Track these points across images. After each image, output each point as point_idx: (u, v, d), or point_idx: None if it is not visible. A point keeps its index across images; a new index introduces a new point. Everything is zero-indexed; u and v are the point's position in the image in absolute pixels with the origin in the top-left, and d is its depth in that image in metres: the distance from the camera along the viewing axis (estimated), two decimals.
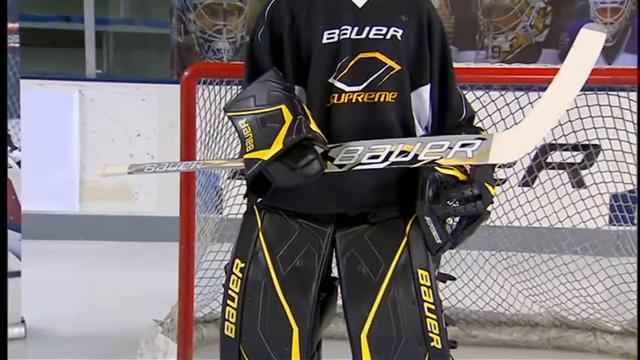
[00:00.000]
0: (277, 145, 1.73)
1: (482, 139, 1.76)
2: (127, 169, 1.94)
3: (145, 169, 1.94)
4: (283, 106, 1.78)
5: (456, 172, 1.85)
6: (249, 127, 1.78)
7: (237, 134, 1.83)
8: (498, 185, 1.95)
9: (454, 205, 1.83)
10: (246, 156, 1.76)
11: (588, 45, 1.76)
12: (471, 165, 1.85)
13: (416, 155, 1.78)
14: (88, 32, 5.39)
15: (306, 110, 1.82)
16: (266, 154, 1.73)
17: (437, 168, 1.84)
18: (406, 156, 1.78)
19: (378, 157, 1.80)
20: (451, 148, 1.76)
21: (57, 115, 5.09)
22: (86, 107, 5.12)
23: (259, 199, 1.94)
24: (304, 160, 1.74)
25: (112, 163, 1.99)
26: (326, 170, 1.79)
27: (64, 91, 5.11)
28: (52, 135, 5.05)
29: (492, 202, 1.89)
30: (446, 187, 1.84)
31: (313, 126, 1.78)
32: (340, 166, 1.81)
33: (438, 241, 1.87)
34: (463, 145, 1.76)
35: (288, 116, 1.76)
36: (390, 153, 1.78)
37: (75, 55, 5.54)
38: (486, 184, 1.85)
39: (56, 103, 5.06)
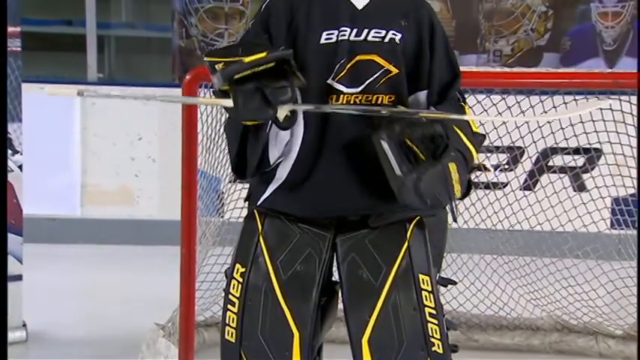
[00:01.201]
0: (260, 54, 1.73)
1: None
2: (75, 91, 1.89)
3: (97, 91, 1.90)
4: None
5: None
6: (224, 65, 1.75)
7: None
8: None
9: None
10: (219, 66, 1.73)
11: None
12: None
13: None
14: (89, 36, 5.39)
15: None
16: (246, 59, 1.72)
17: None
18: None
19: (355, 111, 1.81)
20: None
21: (58, 118, 5.09)
22: (88, 111, 5.12)
23: (258, 203, 1.94)
24: (278, 84, 1.73)
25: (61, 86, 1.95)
26: (297, 106, 1.79)
27: (65, 95, 5.11)
28: (53, 138, 5.05)
29: (468, 151, 1.84)
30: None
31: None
32: (314, 108, 1.82)
33: (398, 172, 1.79)
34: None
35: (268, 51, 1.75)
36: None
37: (76, 58, 5.54)
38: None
39: (58, 107, 5.06)
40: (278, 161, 1.92)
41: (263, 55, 1.72)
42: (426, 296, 1.87)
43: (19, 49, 3.55)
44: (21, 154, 3.56)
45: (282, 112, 1.78)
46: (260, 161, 1.91)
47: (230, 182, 3.59)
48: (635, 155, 3.33)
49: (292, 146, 1.91)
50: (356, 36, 1.88)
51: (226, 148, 3.35)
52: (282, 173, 1.93)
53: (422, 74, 1.92)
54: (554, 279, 3.64)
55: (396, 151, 1.79)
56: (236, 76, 1.73)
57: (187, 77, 2.98)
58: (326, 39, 1.88)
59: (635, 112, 3.23)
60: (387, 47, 1.89)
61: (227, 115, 1.91)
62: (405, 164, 1.79)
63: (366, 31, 1.89)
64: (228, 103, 1.75)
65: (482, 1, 5.33)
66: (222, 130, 3.33)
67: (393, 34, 1.90)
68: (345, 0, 1.90)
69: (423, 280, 1.88)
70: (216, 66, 1.74)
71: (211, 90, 1.94)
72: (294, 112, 1.81)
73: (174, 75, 5.41)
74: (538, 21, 5.36)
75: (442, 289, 1.97)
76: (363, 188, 1.90)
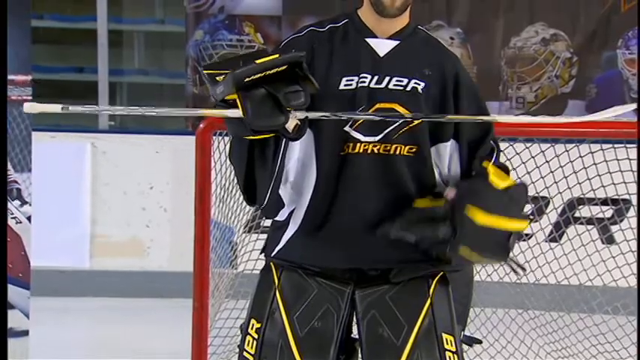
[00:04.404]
0: (272, 57, 1.67)
1: None
2: (59, 107, 1.78)
3: (86, 109, 1.81)
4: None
5: (440, 203, 1.83)
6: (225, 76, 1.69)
7: None
8: (524, 239, 1.91)
9: (411, 226, 1.82)
10: (221, 78, 1.68)
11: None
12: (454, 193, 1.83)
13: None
14: (101, 83, 5.45)
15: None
16: (257, 62, 1.65)
17: (417, 203, 1.83)
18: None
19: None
20: None
21: (69, 167, 5.12)
22: (98, 159, 5.15)
23: (273, 253, 1.93)
24: (291, 88, 1.67)
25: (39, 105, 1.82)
26: (311, 114, 1.75)
27: (76, 143, 5.15)
28: (63, 188, 5.07)
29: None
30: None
31: None
32: (325, 116, 1.78)
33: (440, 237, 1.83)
34: None
35: (276, 55, 1.71)
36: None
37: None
38: (469, 207, 1.80)
39: (68, 156, 5.09)
40: (292, 208, 1.92)
41: (275, 56, 1.67)
42: (449, 357, 1.85)
43: (30, 97, 3.58)
44: (30, 204, 3.57)
45: (292, 121, 1.74)
46: (271, 194, 1.89)
47: (244, 233, 3.59)
48: None
49: (304, 189, 1.91)
50: (376, 83, 1.89)
51: (241, 197, 3.39)
52: (296, 221, 1.93)
53: (445, 125, 1.92)
54: (582, 336, 3.59)
55: (418, 228, 1.82)
56: (246, 80, 1.66)
57: (201, 125, 2.99)
58: (345, 85, 1.89)
59: None
60: (409, 96, 1.90)
61: (229, 144, 1.89)
62: (438, 231, 1.82)
63: (387, 79, 1.90)
64: (236, 113, 1.69)
65: (505, 47, 5.35)
66: (235, 177, 3.34)
67: (416, 82, 1.90)
68: (367, 47, 1.92)
69: (446, 339, 1.86)
70: (217, 78, 1.69)
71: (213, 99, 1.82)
72: (304, 122, 1.78)
73: (187, 123, 5.44)
74: (562, 67, 5.37)
75: (465, 346, 1.94)
76: (382, 239, 1.89)
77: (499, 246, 1.83)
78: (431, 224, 1.81)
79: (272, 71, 1.66)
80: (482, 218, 1.79)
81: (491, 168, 1.88)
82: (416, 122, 1.89)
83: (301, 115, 1.73)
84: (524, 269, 1.88)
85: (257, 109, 1.67)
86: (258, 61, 1.66)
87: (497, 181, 1.84)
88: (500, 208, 1.81)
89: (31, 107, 1.78)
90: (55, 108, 1.76)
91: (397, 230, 1.81)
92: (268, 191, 1.87)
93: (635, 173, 3.32)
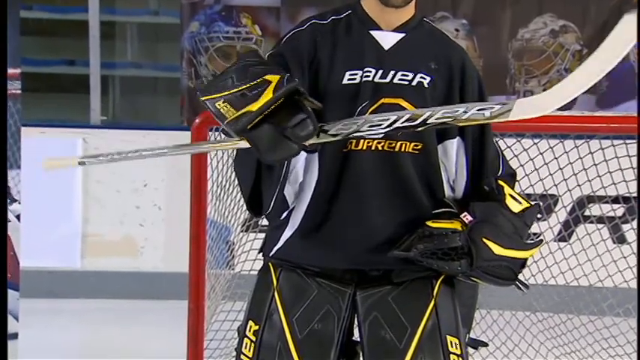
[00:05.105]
0: (266, 96, 1.64)
1: (503, 103, 1.72)
2: (76, 160, 1.84)
3: (100, 157, 1.84)
4: (267, 76, 1.69)
5: (456, 225, 1.85)
6: (227, 105, 1.68)
7: None
8: (534, 246, 1.93)
9: (427, 258, 1.83)
10: (233, 116, 1.66)
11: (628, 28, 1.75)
12: (471, 217, 1.84)
13: (425, 120, 1.72)
14: (93, 77, 5.45)
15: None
16: (254, 107, 1.63)
17: (431, 224, 1.84)
18: (414, 121, 1.73)
19: (380, 125, 1.74)
20: (466, 112, 1.72)
21: None
22: None
23: (271, 253, 1.94)
24: (295, 119, 1.65)
25: (58, 157, 1.87)
26: (319, 140, 1.73)
27: (67, 139, 5.15)
28: (53, 186, 5.06)
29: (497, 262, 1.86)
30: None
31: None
32: (335, 135, 1.74)
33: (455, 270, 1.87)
34: (481, 109, 1.72)
35: (274, 78, 1.68)
36: (395, 121, 1.74)
37: (79, 100, 5.59)
38: (485, 240, 1.83)
39: (59, 152, 5.06)
40: (291, 207, 1.93)
41: (270, 97, 1.64)
42: None
43: (19, 91, 3.58)
44: (19, 202, 3.58)
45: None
46: (277, 197, 1.90)
47: (241, 232, 3.60)
48: None
49: (305, 187, 1.91)
50: (381, 78, 1.89)
51: (238, 194, 3.40)
52: (295, 219, 1.94)
53: None
54: (592, 339, 3.59)
55: (434, 260, 1.84)
56: (248, 127, 1.66)
57: (197, 120, 3.00)
58: (349, 79, 1.89)
59: None
60: (415, 91, 1.90)
61: (235, 152, 1.90)
62: (455, 265, 1.84)
63: (392, 73, 1.90)
64: (246, 144, 1.70)
65: (512, 39, 5.35)
66: (232, 175, 3.35)
67: (422, 77, 1.90)
68: (372, 40, 1.92)
69: (451, 342, 1.86)
70: (217, 104, 1.69)
71: (222, 131, 1.88)
72: (319, 133, 1.77)
73: (182, 117, 5.44)
74: (572, 60, 5.37)
75: (471, 350, 1.95)
76: (384, 238, 1.90)
77: (510, 272, 1.89)
78: (449, 255, 1.83)
79: (271, 108, 1.65)
80: (499, 250, 1.84)
81: (507, 190, 1.92)
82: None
83: (314, 140, 1.72)
84: (527, 286, 1.92)
85: (268, 146, 1.66)
86: (254, 107, 1.64)
87: (513, 204, 1.89)
88: (517, 240, 1.88)
89: (49, 165, 1.86)
90: (72, 162, 1.86)
91: (413, 256, 1.84)
92: (274, 196, 1.88)
93: None
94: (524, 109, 1.71)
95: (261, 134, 1.65)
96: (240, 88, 1.68)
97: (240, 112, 1.65)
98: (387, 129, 1.73)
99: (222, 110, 1.68)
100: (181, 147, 1.92)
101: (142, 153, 1.85)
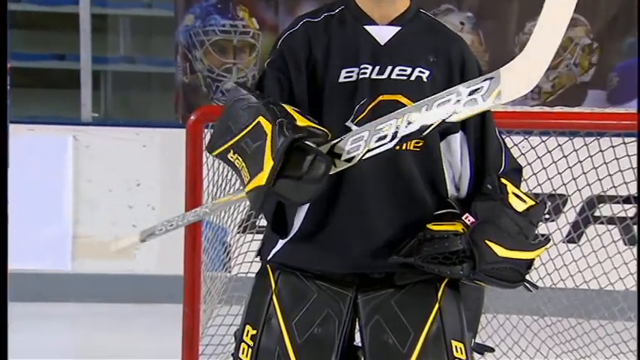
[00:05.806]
0: (268, 164, 1.69)
1: (489, 78, 1.73)
2: (138, 238, 1.98)
3: (155, 231, 1.96)
4: (260, 118, 1.73)
5: (457, 227, 1.85)
6: (239, 157, 1.75)
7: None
8: (541, 246, 1.93)
9: (429, 262, 1.83)
10: (246, 190, 1.73)
11: None
12: (473, 218, 1.85)
13: (424, 124, 1.75)
14: (84, 72, 5.45)
15: (287, 108, 1.77)
16: (262, 179, 1.69)
17: (432, 226, 1.84)
18: (415, 126, 1.75)
19: (385, 136, 1.76)
20: (459, 101, 1.73)
21: (49, 163, 5.12)
22: (81, 154, 5.15)
23: (269, 256, 1.94)
24: (305, 165, 1.69)
25: (119, 238, 2.08)
26: (338, 169, 1.76)
27: (57, 137, 5.15)
28: (42, 185, 5.08)
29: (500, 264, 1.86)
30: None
31: (300, 121, 1.74)
32: (349, 160, 1.78)
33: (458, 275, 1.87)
34: (471, 93, 1.73)
35: (267, 126, 1.72)
36: (398, 128, 1.75)
37: (69, 96, 5.59)
38: (488, 242, 1.83)
39: (48, 150, 5.10)
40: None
41: (271, 165, 1.68)
42: None
43: (8, 87, 3.58)
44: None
45: None
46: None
47: (238, 233, 3.60)
48: None
49: None
50: (378, 74, 1.89)
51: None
52: (295, 222, 1.94)
53: None
54: (603, 344, 3.60)
55: (435, 265, 1.84)
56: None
57: (192, 117, 3.00)
58: (345, 77, 1.90)
59: None
60: (414, 86, 1.90)
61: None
62: (457, 269, 1.84)
63: (389, 68, 1.90)
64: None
65: (519, 33, 5.35)
66: (229, 174, 3.36)
67: (420, 71, 1.91)
68: (367, 35, 1.92)
69: (456, 347, 1.87)
70: (229, 157, 1.77)
71: None
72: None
73: (177, 114, 5.44)
74: (582, 54, 5.37)
75: (477, 355, 1.95)
76: (386, 241, 1.90)
77: (516, 273, 1.88)
78: (450, 258, 1.83)
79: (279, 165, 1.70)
80: (503, 252, 1.84)
81: (510, 188, 1.91)
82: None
83: (333, 170, 1.77)
84: (536, 287, 1.92)
85: (293, 196, 1.72)
86: (262, 182, 1.70)
87: (517, 203, 1.88)
88: (521, 241, 1.87)
89: (115, 246, 2.08)
90: (136, 240, 2.06)
91: (414, 262, 1.84)
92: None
93: None
94: (513, 81, 1.71)
95: (281, 189, 1.70)
96: (241, 135, 1.75)
97: (251, 187, 1.71)
98: (394, 141, 1.75)
99: (236, 164, 1.76)
100: (216, 203, 2.16)
101: (190, 218, 2.06)
